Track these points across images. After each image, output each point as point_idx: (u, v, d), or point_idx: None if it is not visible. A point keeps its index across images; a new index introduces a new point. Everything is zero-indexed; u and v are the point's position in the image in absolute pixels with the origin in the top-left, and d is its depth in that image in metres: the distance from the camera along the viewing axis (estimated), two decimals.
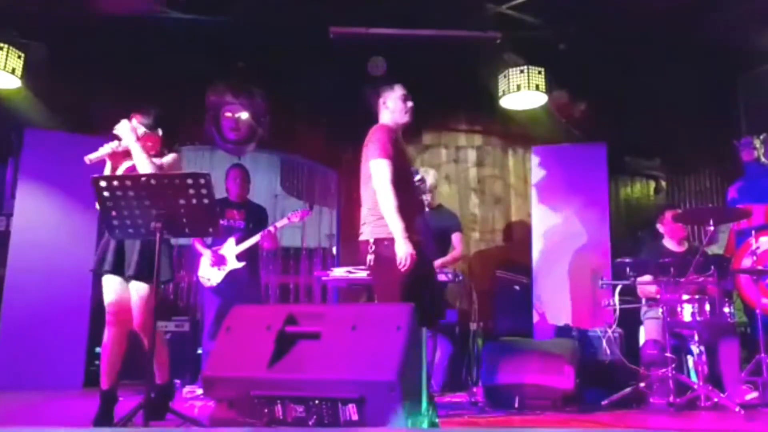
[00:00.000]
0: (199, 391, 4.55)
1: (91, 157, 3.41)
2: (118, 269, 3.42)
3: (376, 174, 3.25)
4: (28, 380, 5.14)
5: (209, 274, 5.00)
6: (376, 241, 3.22)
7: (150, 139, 3.55)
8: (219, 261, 4.99)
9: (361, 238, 3.32)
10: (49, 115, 5.70)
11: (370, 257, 3.22)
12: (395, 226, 3.16)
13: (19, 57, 5.35)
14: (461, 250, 5.11)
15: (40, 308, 5.34)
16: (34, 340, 5.29)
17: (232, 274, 4.98)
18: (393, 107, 3.49)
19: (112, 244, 3.42)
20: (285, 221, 5.09)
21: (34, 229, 5.49)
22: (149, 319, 3.19)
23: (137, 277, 3.39)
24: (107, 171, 3.49)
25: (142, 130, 3.52)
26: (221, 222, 4.96)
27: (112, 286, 3.45)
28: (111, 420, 3.31)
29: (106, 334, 3.43)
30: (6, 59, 5.25)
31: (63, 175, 5.52)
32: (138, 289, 3.40)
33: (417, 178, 3.89)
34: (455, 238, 5.06)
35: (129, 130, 3.45)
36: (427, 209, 5.01)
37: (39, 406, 4.33)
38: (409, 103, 3.50)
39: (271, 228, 5.03)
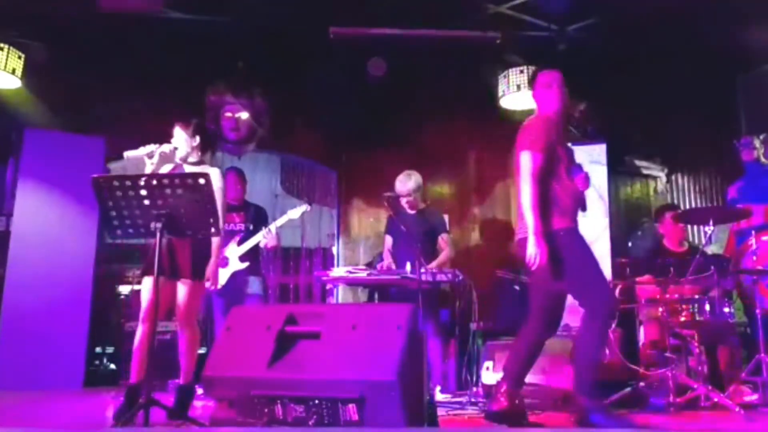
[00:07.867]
0: (200, 391, 4.54)
1: (128, 154, 3.46)
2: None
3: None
4: (28, 380, 5.14)
5: None
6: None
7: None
8: (222, 263, 5.00)
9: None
10: (49, 115, 5.72)
11: None
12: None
13: (19, 57, 5.37)
14: (449, 251, 5.04)
15: (40, 308, 5.34)
16: (34, 340, 5.29)
17: (235, 275, 5.00)
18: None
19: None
20: (285, 219, 5.09)
21: (34, 229, 5.49)
22: None
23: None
24: (148, 170, 3.48)
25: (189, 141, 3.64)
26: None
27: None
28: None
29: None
30: (6, 59, 5.26)
31: (63, 175, 5.53)
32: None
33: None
34: (442, 239, 5.02)
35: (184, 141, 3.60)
36: (410, 212, 5.02)
37: (39, 406, 4.33)
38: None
39: (272, 227, 5.03)
